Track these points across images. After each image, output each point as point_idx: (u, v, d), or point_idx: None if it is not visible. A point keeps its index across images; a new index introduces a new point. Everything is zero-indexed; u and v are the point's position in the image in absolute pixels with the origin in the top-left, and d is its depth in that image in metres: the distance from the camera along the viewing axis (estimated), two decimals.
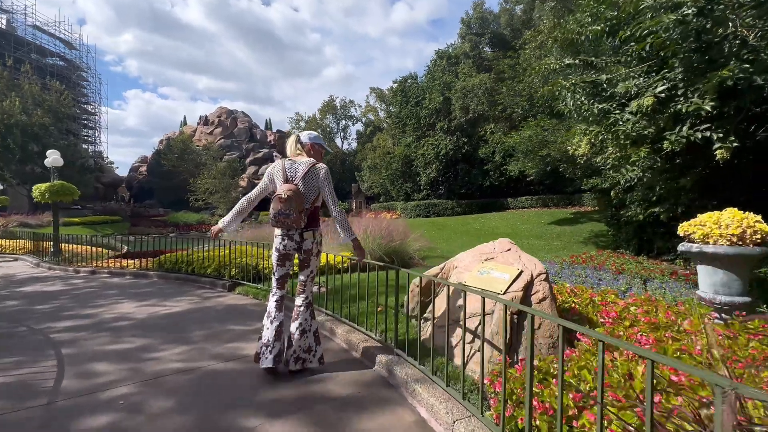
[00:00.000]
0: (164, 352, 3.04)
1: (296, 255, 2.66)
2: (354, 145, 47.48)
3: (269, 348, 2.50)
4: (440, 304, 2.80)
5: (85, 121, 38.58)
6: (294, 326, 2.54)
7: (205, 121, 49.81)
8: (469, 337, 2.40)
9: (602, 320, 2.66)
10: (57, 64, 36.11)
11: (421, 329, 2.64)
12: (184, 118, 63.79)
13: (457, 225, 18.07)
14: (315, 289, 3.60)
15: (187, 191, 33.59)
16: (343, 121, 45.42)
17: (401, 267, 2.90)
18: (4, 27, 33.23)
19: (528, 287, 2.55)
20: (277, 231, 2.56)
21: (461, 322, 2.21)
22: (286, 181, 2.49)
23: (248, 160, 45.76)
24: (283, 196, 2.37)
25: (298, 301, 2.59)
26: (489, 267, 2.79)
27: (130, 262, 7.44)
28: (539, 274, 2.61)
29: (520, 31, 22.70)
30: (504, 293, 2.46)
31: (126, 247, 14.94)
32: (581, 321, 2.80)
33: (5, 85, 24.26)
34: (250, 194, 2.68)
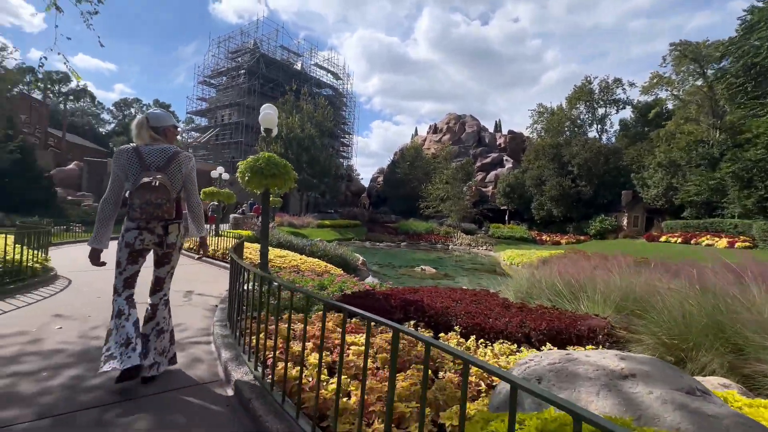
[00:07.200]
0: None
1: (152, 250, 2.29)
2: (613, 139, 35.17)
3: (131, 345, 2.09)
4: None
5: (342, 139, 45.36)
6: (149, 326, 2.24)
7: (434, 129, 49.67)
8: None
9: None
10: (328, 93, 44.07)
11: None
12: (416, 129, 67.89)
13: None
14: None
15: (416, 200, 32.42)
16: (602, 109, 34.14)
17: None
18: (299, 68, 42.91)
19: None
20: (130, 224, 2.20)
21: None
22: (145, 169, 2.17)
23: (476, 165, 41.68)
24: (154, 183, 2.11)
25: (154, 299, 2.30)
26: None
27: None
28: None
29: None
30: None
31: (361, 259, 12.32)
32: None
33: (291, 107, 29.22)
34: (107, 197, 2.18)
